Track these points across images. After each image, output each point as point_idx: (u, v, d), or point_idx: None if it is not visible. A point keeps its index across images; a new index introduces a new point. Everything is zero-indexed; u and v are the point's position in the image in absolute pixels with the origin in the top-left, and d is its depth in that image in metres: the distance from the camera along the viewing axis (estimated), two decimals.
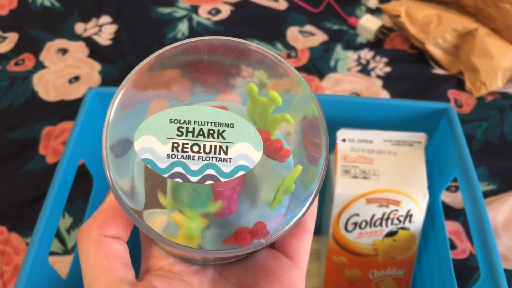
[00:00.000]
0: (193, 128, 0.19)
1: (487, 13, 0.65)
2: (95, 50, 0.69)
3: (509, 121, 0.61)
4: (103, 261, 0.20)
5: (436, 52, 0.66)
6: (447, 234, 0.42)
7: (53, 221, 0.37)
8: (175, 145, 0.19)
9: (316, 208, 0.23)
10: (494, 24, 0.65)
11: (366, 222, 0.40)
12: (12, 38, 0.71)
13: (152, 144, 0.19)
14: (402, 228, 0.40)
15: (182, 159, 0.19)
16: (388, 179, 0.39)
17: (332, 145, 0.44)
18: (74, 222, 0.52)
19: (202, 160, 0.19)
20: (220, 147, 0.19)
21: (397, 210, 0.39)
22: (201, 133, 0.19)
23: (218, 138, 0.19)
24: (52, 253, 0.50)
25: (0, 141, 0.59)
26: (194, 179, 0.19)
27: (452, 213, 0.53)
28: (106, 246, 0.20)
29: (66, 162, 0.38)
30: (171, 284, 0.21)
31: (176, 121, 0.19)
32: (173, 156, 0.19)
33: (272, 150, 0.21)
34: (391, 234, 0.40)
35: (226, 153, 0.19)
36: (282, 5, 0.76)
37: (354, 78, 0.66)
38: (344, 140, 0.41)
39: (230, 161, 0.19)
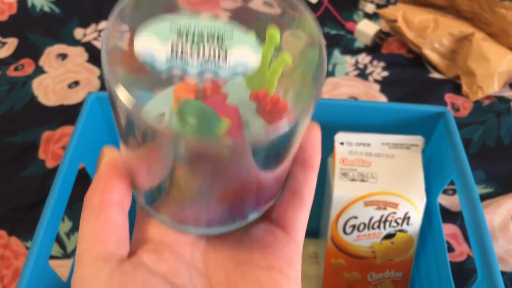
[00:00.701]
0: (193, 32, 0.19)
1: (483, 17, 0.66)
2: (94, 55, 0.69)
3: (506, 124, 0.62)
4: (99, 232, 0.19)
5: (433, 56, 0.67)
6: (445, 236, 0.42)
7: (54, 225, 0.37)
8: (175, 47, 0.19)
9: (314, 183, 0.22)
10: (490, 28, 0.65)
11: (364, 224, 0.40)
12: (11, 43, 0.71)
13: (151, 45, 0.18)
14: (400, 231, 0.40)
15: (181, 61, 0.19)
16: (385, 182, 0.39)
17: (330, 148, 0.44)
18: (74, 226, 0.53)
19: (201, 63, 0.19)
20: (219, 50, 0.19)
21: (395, 213, 0.39)
22: (200, 36, 0.19)
23: (217, 42, 0.19)
24: (52, 257, 0.50)
25: (0, 145, 0.59)
26: (193, 78, 0.19)
27: (449, 216, 0.53)
28: (106, 216, 0.19)
29: (67, 166, 0.39)
30: (161, 258, 0.20)
31: (176, 25, 0.19)
32: (172, 58, 0.19)
33: (268, 110, 0.20)
34: (389, 236, 0.41)
35: (225, 57, 0.19)
36: None
37: (352, 83, 0.66)
38: (342, 143, 0.41)
39: (228, 64, 0.19)
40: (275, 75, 0.20)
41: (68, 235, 0.52)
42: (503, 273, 0.48)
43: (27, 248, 0.51)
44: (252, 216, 0.21)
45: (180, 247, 0.21)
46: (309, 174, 0.22)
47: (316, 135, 0.22)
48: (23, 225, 0.52)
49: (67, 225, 0.53)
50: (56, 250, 0.51)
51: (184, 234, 0.22)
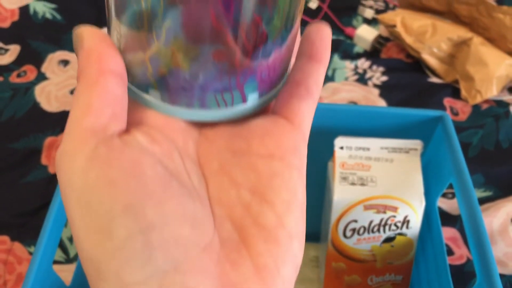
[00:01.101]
0: None
1: (481, 22, 0.66)
2: None
3: (504, 128, 0.62)
4: (94, 102, 0.17)
5: (431, 61, 0.67)
6: (444, 239, 0.43)
7: (57, 230, 0.37)
8: None
9: (322, 77, 0.20)
10: (488, 33, 0.66)
11: (364, 228, 0.41)
12: (14, 50, 0.72)
13: None
14: (400, 234, 0.41)
15: None
16: (385, 186, 0.40)
17: (330, 153, 0.45)
18: None
19: None
20: None
21: (394, 216, 0.40)
22: None
23: None
24: (54, 262, 0.50)
25: (3, 151, 0.59)
26: None
27: (449, 219, 0.53)
28: (104, 86, 0.17)
29: None
30: (156, 140, 0.18)
31: None
32: None
33: None
34: (388, 240, 0.41)
35: None
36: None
37: (351, 87, 0.67)
38: (342, 148, 0.42)
39: None
40: None
41: (70, 240, 0.53)
42: (502, 276, 0.49)
43: (30, 253, 0.51)
44: (252, 99, 0.19)
45: (173, 133, 0.19)
46: (316, 67, 0.20)
47: (326, 32, 0.20)
48: (26, 230, 0.53)
49: (69, 230, 0.53)
50: (59, 255, 0.51)
51: (176, 121, 0.19)
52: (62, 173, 0.16)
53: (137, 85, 0.19)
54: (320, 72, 0.20)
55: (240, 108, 0.19)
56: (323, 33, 0.20)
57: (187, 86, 0.18)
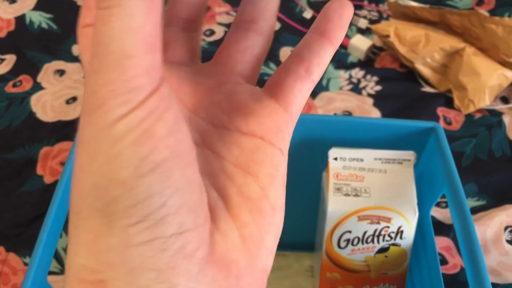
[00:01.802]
0: None
1: (473, 33, 0.67)
2: None
3: (497, 137, 0.63)
4: (152, 34, 0.14)
5: (425, 71, 0.68)
6: (438, 249, 0.43)
7: (52, 241, 0.37)
8: None
9: (328, 60, 0.19)
10: (481, 43, 0.67)
11: (358, 238, 0.41)
12: (10, 60, 0.72)
13: None
14: (394, 244, 0.41)
15: None
16: (379, 197, 0.40)
17: (324, 163, 0.45)
18: None
19: None
20: None
21: (388, 227, 0.40)
22: None
23: None
24: (49, 273, 0.50)
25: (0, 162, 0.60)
26: None
27: (442, 228, 0.54)
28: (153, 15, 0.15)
29: (65, 183, 0.39)
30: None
31: None
32: None
33: None
34: (382, 250, 0.41)
35: None
36: (275, 25, 0.78)
37: (345, 97, 0.68)
38: (336, 159, 0.42)
39: None
40: None
41: (65, 250, 0.53)
42: (496, 285, 0.49)
43: (25, 264, 0.51)
44: None
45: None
46: (325, 47, 0.19)
47: (347, 12, 0.19)
48: (21, 241, 0.53)
49: (64, 240, 0.53)
50: (53, 265, 0.51)
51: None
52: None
53: None
54: (327, 53, 0.19)
55: None
56: (344, 12, 0.19)
57: None
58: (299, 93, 0.19)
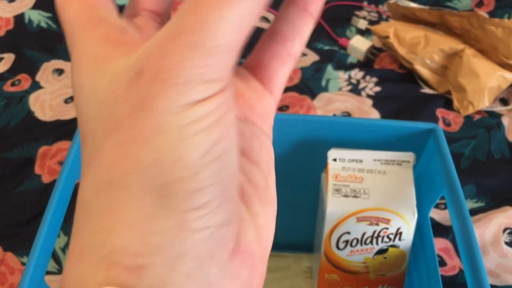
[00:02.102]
0: None
1: (473, 34, 0.67)
2: None
3: (496, 139, 0.63)
4: None
5: (424, 72, 0.68)
6: (436, 250, 0.43)
7: (50, 241, 0.37)
8: None
9: (308, 34, 0.19)
10: (480, 45, 0.67)
11: (357, 240, 0.41)
12: (8, 58, 0.72)
13: None
14: (392, 246, 0.41)
15: None
16: (378, 198, 0.40)
17: (323, 164, 0.45)
18: (69, 241, 0.53)
19: None
20: None
21: (387, 228, 0.40)
22: None
23: None
24: (47, 273, 0.50)
25: None
26: None
27: (441, 230, 0.54)
28: None
29: (63, 183, 0.39)
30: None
31: None
32: None
33: None
34: (381, 251, 0.41)
35: None
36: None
37: (345, 98, 0.67)
38: (335, 160, 0.42)
39: None
40: None
41: (63, 250, 0.52)
42: (495, 287, 0.49)
43: (23, 263, 0.51)
44: None
45: None
46: (306, 22, 0.19)
47: None
48: (18, 240, 0.53)
49: (62, 240, 0.53)
50: (51, 265, 0.51)
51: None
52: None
53: None
54: (309, 29, 0.19)
55: None
56: None
57: None
58: (283, 77, 0.19)
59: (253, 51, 0.19)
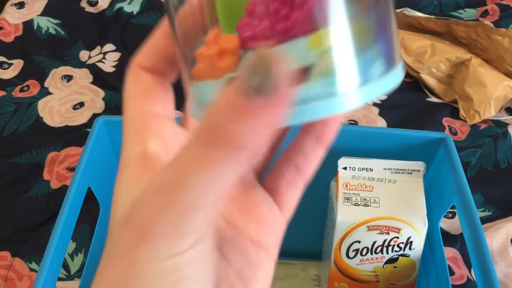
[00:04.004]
0: None
1: (479, 44, 0.67)
2: (99, 77, 0.70)
3: (503, 148, 0.63)
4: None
5: (430, 81, 0.68)
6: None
7: (62, 247, 0.37)
8: None
9: (319, 162, 0.20)
10: (487, 54, 0.67)
11: (367, 249, 0.41)
12: (17, 64, 0.72)
13: None
14: (403, 255, 0.41)
15: None
16: (388, 207, 0.40)
17: (333, 173, 0.45)
18: (77, 247, 0.53)
19: None
20: None
21: (397, 237, 0.40)
22: None
23: None
24: None
25: (5, 166, 0.59)
26: None
27: (449, 239, 0.54)
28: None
29: (75, 190, 0.39)
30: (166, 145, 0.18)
31: None
32: None
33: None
34: (391, 260, 0.41)
35: None
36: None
37: None
38: (345, 168, 0.42)
39: None
40: None
41: (72, 256, 0.52)
42: None
43: (31, 269, 0.51)
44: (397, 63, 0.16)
45: None
46: (319, 153, 0.20)
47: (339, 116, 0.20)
48: (27, 246, 0.53)
49: (71, 246, 0.53)
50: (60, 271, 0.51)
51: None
52: None
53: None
54: (321, 158, 0.20)
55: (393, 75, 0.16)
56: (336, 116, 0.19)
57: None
58: (295, 203, 0.20)
59: (270, 174, 0.20)
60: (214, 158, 0.14)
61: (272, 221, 0.19)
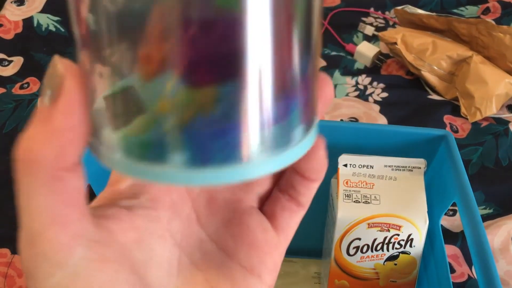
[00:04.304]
0: None
1: (481, 41, 0.67)
2: None
3: (504, 146, 0.63)
4: (58, 209, 0.14)
5: (431, 78, 0.68)
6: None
7: None
8: None
9: (314, 192, 0.20)
10: (488, 52, 0.67)
11: (368, 246, 0.41)
12: (17, 62, 0.72)
13: None
14: (403, 253, 0.41)
15: None
16: (389, 204, 0.40)
17: (333, 170, 0.45)
18: None
19: None
20: None
21: (398, 235, 0.40)
22: None
23: None
24: None
25: (5, 163, 0.59)
26: None
27: (450, 236, 0.54)
28: (64, 188, 0.14)
29: None
30: (134, 224, 0.17)
31: None
32: None
33: None
34: (392, 258, 0.41)
35: None
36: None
37: (352, 103, 0.68)
38: (345, 165, 0.42)
39: None
40: None
41: None
42: None
43: None
44: (299, 138, 0.15)
45: (157, 209, 0.18)
46: (311, 186, 0.19)
47: (322, 149, 0.19)
48: None
49: None
50: None
51: (166, 192, 0.18)
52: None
53: (143, 155, 0.14)
54: (314, 189, 0.19)
55: (288, 154, 0.15)
56: (318, 148, 0.18)
57: (178, 142, 0.13)
58: (294, 227, 0.20)
59: (268, 199, 0.20)
60: (19, 181, 0.14)
61: (266, 246, 0.19)
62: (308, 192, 0.19)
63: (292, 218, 0.20)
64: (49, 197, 0.14)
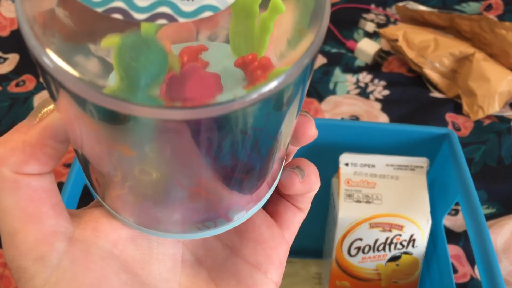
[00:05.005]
0: None
1: (483, 38, 0.66)
2: None
3: (507, 144, 0.62)
4: (27, 206, 0.15)
5: (433, 76, 0.67)
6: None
7: None
8: None
9: (302, 220, 0.21)
10: (490, 49, 0.66)
11: (370, 246, 0.40)
12: (13, 59, 0.71)
13: None
14: (405, 253, 0.40)
15: None
16: (391, 204, 0.39)
17: (334, 169, 0.44)
18: None
19: None
20: None
21: (400, 235, 0.39)
22: None
23: None
24: None
25: None
26: (140, 16, 0.13)
27: (452, 236, 0.53)
28: (27, 186, 0.15)
29: (71, 186, 0.38)
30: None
31: None
32: None
33: (257, 77, 0.14)
34: (394, 258, 0.40)
35: None
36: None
37: (353, 101, 0.67)
38: (347, 164, 0.41)
39: None
40: (266, 32, 0.15)
41: None
42: None
43: None
44: (239, 216, 0.18)
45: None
46: (297, 215, 0.20)
47: (315, 186, 0.20)
48: None
49: None
50: None
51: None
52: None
53: (109, 205, 0.17)
54: (311, 197, 0.20)
55: (224, 227, 0.18)
56: (293, 177, 0.19)
57: (160, 220, 0.17)
58: (297, 225, 0.20)
59: (271, 197, 0.21)
60: None
61: (272, 242, 0.19)
62: (305, 200, 0.20)
63: (295, 217, 0.20)
64: (15, 196, 0.15)
